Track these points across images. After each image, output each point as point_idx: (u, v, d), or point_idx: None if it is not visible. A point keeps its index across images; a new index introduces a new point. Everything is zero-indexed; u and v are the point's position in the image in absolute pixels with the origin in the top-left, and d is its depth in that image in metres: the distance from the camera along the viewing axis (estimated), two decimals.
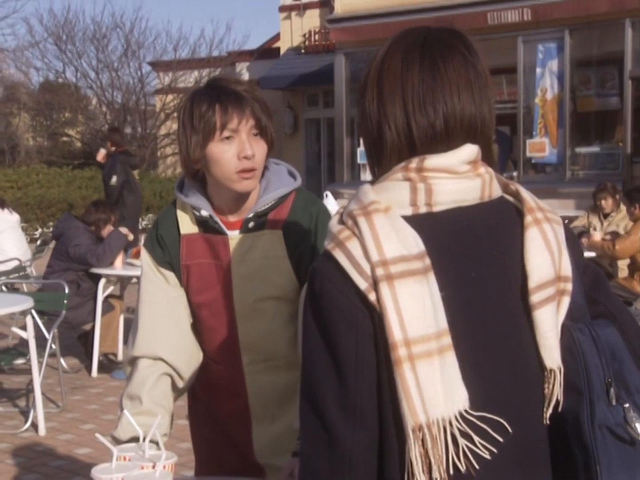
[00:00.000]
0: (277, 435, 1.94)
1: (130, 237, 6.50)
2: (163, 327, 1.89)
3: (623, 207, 7.00)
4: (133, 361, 1.91)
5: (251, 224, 1.87)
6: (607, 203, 7.00)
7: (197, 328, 1.96)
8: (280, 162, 1.98)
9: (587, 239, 6.54)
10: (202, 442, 2.10)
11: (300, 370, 1.20)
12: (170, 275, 1.92)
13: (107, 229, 6.38)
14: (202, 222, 1.90)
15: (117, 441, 1.79)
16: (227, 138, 1.79)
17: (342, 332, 1.13)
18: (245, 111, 1.78)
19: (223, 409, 2.00)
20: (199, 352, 1.96)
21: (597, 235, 6.55)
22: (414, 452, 1.10)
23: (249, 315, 1.89)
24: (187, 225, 1.91)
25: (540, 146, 12.44)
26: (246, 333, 1.90)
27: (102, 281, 6.17)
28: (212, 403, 2.02)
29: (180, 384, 1.91)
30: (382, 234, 1.14)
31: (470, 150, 1.20)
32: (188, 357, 1.92)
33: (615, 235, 6.56)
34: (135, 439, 1.73)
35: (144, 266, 1.95)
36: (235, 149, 1.79)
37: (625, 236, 6.33)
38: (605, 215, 7.05)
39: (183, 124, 1.82)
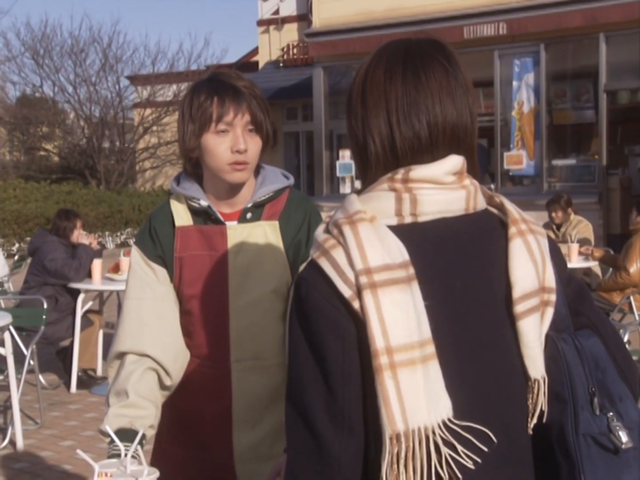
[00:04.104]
0: (258, 441, 1.92)
1: (94, 244, 6.46)
2: (149, 324, 1.89)
3: (574, 217, 7.23)
4: (119, 356, 1.92)
5: (249, 215, 1.93)
6: (556, 215, 7.23)
7: (187, 322, 1.94)
8: (273, 167, 2.05)
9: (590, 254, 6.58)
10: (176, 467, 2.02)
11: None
12: (160, 270, 1.93)
13: (76, 235, 6.37)
14: (198, 213, 1.94)
15: (104, 434, 1.79)
16: (223, 131, 1.85)
17: (329, 340, 1.14)
18: (242, 106, 1.84)
19: (204, 413, 1.95)
20: (185, 350, 1.95)
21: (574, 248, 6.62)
22: (387, 460, 1.11)
23: (243, 308, 1.90)
24: (181, 218, 1.94)
25: (518, 158, 12.55)
26: (238, 327, 1.90)
27: (81, 296, 6.13)
28: (193, 408, 1.97)
29: (167, 380, 1.90)
30: (367, 242, 1.14)
31: (455, 161, 1.21)
32: (174, 354, 1.91)
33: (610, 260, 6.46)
34: (122, 431, 1.74)
35: (133, 262, 1.96)
36: (229, 142, 1.85)
37: (630, 256, 6.10)
38: (558, 227, 7.27)
39: (182, 112, 1.89)
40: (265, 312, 1.90)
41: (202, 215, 1.93)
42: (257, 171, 1.97)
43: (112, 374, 1.93)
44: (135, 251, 1.97)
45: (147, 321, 1.90)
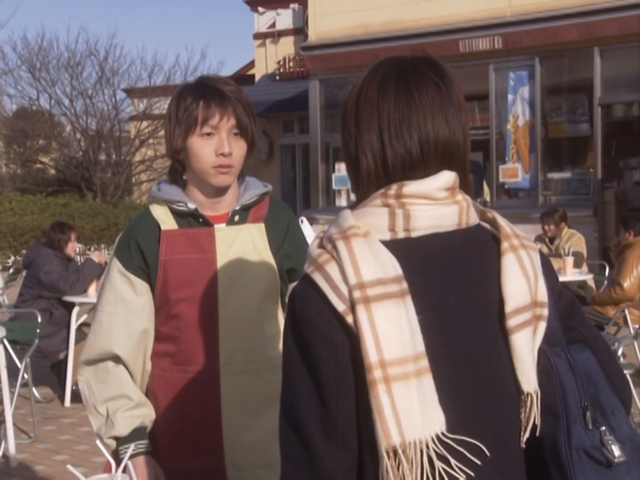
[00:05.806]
0: (252, 445, 1.91)
1: (103, 262, 6.46)
2: (120, 334, 1.91)
3: (567, 231, 7.19)
4: (89, 363, 1.94)
5: (236, 217, 1.96)
6: (549, 228, 7.19)
7: (173, 327, 1.93)
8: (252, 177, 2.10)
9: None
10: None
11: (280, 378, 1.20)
12: (139, 282, 1.93)
13: (71, 247, 6.37)
14: (183, 217, 1.95)
15: (118, 439, 1.87)
16: (208, 134, 1.88)
17: (322, 355, 1.14)
18: (227, 110, 1.88)
19: (192, 420, 1.93)
20: (148, 367, 1.97)
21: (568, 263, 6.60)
22: (386, 474, 1.11)
23: (232, 310, 1.90)
24: (165, 223, 1.95)
25: (513, 172, 12.58)
26: (227, 330, 1.90)
27: (76, 309, 6.11)
28: (181, 416, 1.94)
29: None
30: (360, 257, 1.15)
31: (447, 177, 1.22)
32: (140, 366, 1.95)
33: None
34: (137, 431, 1.86)
35: (111, 274, 1.96)
36: (214, 145, 1.88)
37: (623, 271, 6.04)
38: (551, 240, 7.22)
39: (169, 114, 1.92)
40: (255, 314, 1.92)
41: (187, 219, 1.94)
42: (239, 178, 2.01)
43: (82, 379, 1.95)
44: (114, 261, 1.96)
45: (117, 332, 1.91)
